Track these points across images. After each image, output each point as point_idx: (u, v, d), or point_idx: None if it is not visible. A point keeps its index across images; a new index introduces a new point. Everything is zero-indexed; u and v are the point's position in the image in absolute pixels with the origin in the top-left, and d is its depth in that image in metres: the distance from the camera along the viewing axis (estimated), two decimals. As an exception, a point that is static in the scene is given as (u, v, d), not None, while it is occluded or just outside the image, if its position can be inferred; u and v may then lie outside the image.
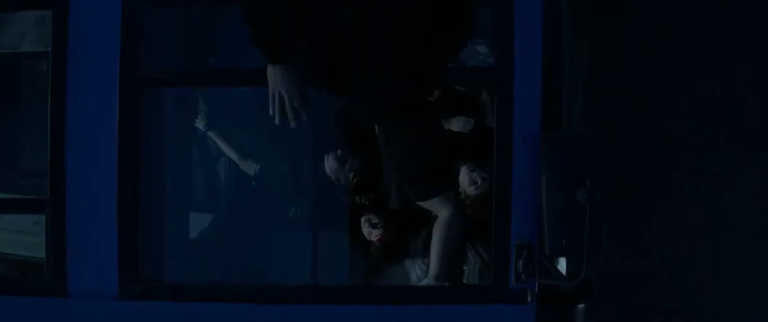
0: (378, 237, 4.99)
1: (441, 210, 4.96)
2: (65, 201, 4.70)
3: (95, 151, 4.71)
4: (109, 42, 4.67)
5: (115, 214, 4.68)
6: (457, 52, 3.73)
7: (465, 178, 4.97)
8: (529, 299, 4.65)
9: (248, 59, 4.06)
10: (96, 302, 4.67)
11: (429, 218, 5.03)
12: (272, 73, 3.82)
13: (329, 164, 5.05)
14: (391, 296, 4.80)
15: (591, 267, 4.57)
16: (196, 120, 5.15)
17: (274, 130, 5.20)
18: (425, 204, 4.98)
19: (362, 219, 5.06)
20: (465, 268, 5.01)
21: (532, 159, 4.56)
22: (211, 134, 5.18)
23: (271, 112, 3.94)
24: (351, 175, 5.06)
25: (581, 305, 4.78)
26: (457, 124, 5.02)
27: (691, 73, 6.28)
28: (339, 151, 5.01)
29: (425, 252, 5.01)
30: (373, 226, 5.00)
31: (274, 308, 4.64)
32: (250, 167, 5.20)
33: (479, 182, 4.92)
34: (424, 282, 4.98)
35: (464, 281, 5.01)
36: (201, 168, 5.25)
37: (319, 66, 3.67)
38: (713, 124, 6.32)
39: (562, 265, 4.75)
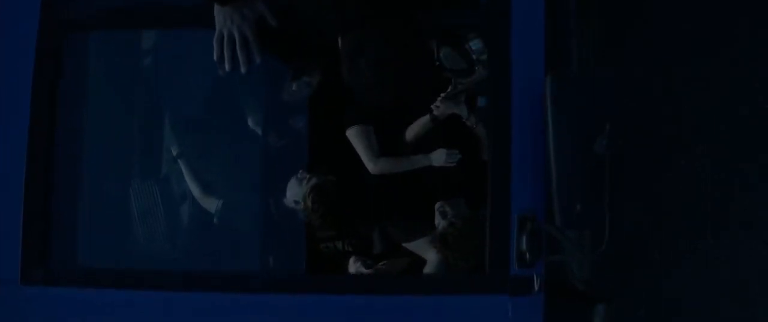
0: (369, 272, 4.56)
1: (428, 253, 4.52)
2: None
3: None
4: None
5: (21, 188, 4.21)
6: None
7: (437, 217, 4.46)
8: (535, 287, 4.00)
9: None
10: None
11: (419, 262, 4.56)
12: (221, 10, 3.75)
13: (291, 189, 4.53)
14: (371, 287, 4.31)
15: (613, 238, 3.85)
16: (171, 147, 4.70)
17: (231, 164, 4.70)
18: (411, 246, 4.52)
19: (351, 260, 4.59)
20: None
21: (534, 111, 3.97)
22: (181, 162, 4.68)
23: (215, 57, 3.81)
24: (309, 199, 4.47)
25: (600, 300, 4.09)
26: (437, 159, 4.49)
27: (710, 108, 5.93)
28: (300, 172, 4.51)
29: None
30: (367, 266, 4.55)
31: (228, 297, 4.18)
32: (212, 204, 4.67)
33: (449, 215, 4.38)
34: None
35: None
36: (131, 139, 4.65)
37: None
38: (735, 163, 5.91)
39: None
